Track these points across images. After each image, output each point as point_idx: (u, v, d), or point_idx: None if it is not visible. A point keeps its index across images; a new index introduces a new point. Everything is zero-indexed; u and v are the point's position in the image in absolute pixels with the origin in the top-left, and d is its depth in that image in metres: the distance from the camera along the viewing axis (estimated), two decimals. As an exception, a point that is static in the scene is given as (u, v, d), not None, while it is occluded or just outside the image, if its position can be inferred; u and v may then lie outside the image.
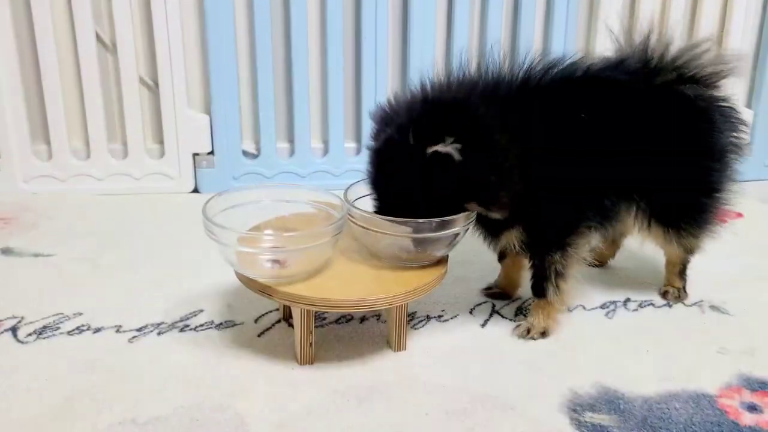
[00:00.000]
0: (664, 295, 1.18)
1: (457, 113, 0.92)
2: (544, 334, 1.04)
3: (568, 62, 1.02)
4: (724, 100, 1.06)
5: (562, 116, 0.97)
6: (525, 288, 1.20)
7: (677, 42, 1.04)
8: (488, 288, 1.17)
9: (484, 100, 0.94)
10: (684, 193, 1.07)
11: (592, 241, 1.04)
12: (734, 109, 1.08)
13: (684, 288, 1.18)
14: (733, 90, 1.80)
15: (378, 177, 0.96)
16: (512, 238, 1.01)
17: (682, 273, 1.18)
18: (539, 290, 1.05)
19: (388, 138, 0.93)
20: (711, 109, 1.04)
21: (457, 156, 0.89)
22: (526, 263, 1.10)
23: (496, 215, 0.97)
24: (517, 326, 1.06)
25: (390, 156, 0.94)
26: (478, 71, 0.98)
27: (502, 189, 0.94)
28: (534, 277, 1.05)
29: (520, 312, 1.12)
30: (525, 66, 0.99)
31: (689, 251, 1.15)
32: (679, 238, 1.10)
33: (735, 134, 1.08)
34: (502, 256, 1.15)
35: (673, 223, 1.08)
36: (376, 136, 0.97)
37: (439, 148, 0.89)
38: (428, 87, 0.96)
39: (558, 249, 1.02)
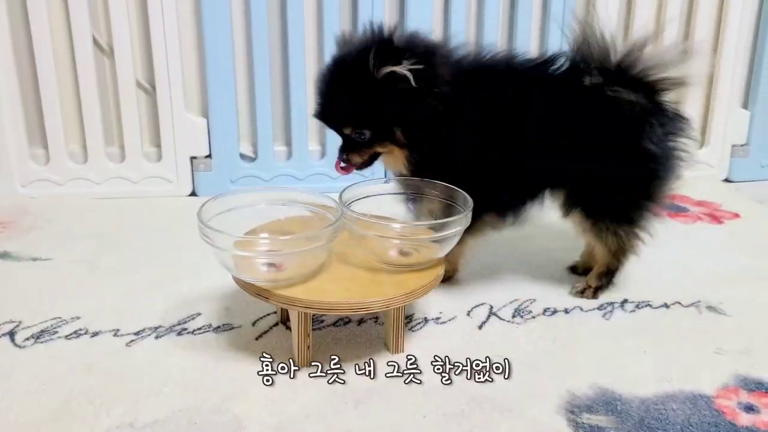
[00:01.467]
0: (580, 293, 1.17)
1: (417, 43, 1.00)
2: None
3: (507, 54, 1.11)
4: (666, 106, 1.06)
5: (492, 101, 1.04)
6: (521, 288, 1.20)
7: (625, 46, 1.04)
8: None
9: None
10: (609, 192, 1.09)
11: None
12: (679, 116, 1.08)
13: (598, 288, 1.17)
14: (729, 91, 1.81)
15: (329, 86, 1.04)
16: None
17: (602, 276, 1.17)
18: None
19: (347, 54, 1.02)
20: (645, 115, 1.04)
21: (412, 79, 0.96)
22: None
23: (400, 157, 1.05)
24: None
25: (347, 69, 1.01)
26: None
27: (438, 126, 1.01)
28: None
29: (518, 313, 1.12)
30: (473, 49, 1.08)
31: (616, 254, 1.15)
32: (605, 233, 1.12)
33: (673, 141, 1.08)
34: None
35: (598, 217, 1.11)
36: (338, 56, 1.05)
37: (397, 69, 0.96)
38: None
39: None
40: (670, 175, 1.09)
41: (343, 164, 1.08)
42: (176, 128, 1.63)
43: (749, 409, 0.89)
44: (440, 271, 1.00)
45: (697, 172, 1.89)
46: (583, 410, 0.88)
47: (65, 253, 1.32)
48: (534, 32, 1.74)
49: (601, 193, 1.09)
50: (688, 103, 1.86)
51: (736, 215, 1.61)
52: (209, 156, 1.67)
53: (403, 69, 0.96)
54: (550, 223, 1.56)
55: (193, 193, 1.69)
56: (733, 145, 1.90)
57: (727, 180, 1.91)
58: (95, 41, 1.59)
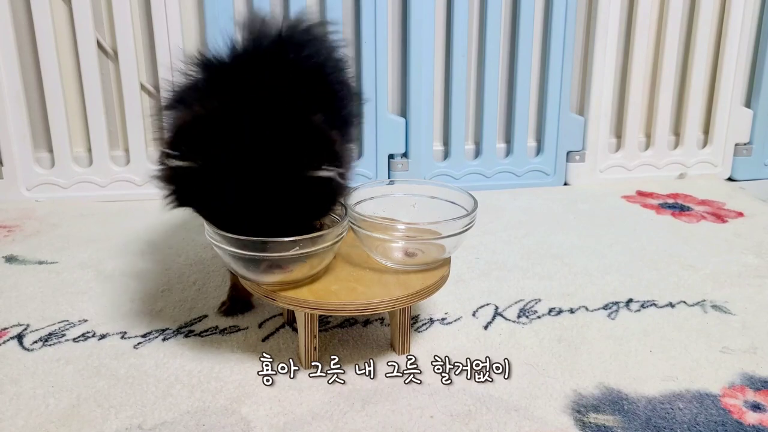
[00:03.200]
0: None
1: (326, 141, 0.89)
2: None
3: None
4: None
5: None
6: (526, 288, 1.20)
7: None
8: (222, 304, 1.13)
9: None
10: None
11: None
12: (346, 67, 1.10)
13: None
14: (732, 89, 1.81)
15: (260, 191, 0.87)
16: None
17: None
18: None
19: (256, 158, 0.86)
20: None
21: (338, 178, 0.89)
22: None
23: None
24: None
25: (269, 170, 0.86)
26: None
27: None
28: None
29: (523, 313, 1.12)
30: None
31: None
32: None
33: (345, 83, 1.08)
34: None
35: None
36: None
37: (324, 174, 0.87)
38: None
39: None
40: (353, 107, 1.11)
41: None
42: (180, 131, 1.64)
43: (756, 407, 0.89)
44: (446, 271, 1.00)
45: (701, 171, 1.90)
46: (589, 410, 0.88)
47: (71, 256, 1.33)
48: (537, 27, 1.75)
49: None
50: (691, 102, 1.88)
51: (740, 214, 1.61)
52: (213, 158, 1.67)
53: (328, 173, 0.87)
54: (550, 223, 1.56)
55: (198, 196, 1.69)
56: (736, 144, 1.90)
57: (730, 179, 1.92)
58: (99, 45, 1.60)
